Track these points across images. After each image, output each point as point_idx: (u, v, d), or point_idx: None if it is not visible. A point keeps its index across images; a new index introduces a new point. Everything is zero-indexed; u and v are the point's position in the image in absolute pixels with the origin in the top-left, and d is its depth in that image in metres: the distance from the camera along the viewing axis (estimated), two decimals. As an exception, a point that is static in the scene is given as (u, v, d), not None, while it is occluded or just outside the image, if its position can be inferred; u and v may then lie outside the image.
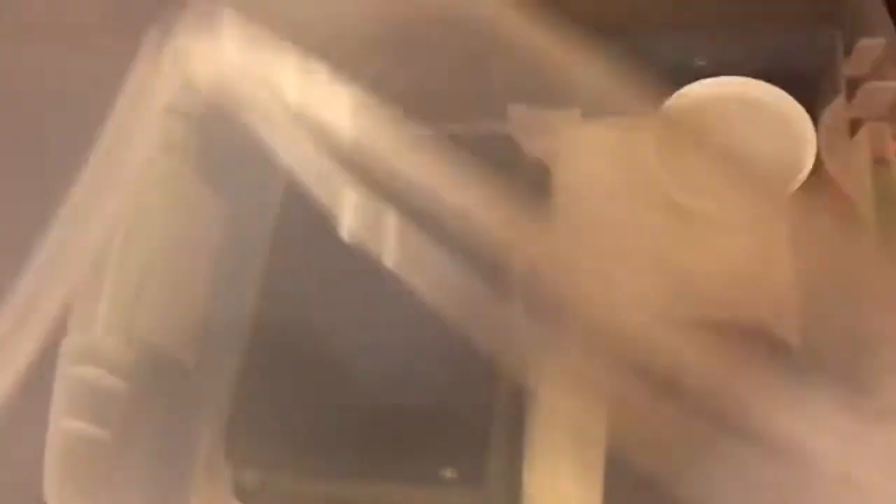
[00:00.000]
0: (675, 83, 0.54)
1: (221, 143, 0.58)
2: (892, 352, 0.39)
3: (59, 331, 0.44)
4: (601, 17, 0.57)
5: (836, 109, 0.48)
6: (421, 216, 0.47)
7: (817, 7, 0.49)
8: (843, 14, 0.46)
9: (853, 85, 0.45)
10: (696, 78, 0.54)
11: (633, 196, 0.59)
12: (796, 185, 0.50)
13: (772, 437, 0.45)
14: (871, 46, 0.44)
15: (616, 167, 0.60)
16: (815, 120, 0.51)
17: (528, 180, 0.58)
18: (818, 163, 0.50)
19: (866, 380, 0.42)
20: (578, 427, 0.52)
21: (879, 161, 0.41)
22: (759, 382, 0.47)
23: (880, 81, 0.43)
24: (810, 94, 0.52)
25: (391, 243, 0.46)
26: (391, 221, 0.46)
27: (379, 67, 0.60)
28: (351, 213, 0.46)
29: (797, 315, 0.53)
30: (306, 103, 0.49)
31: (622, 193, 0.59)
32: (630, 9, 0.58)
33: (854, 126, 0.44)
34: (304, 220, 0.55)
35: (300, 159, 0.47)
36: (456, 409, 0.48)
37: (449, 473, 0.46)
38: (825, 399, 0.48)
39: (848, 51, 0.46)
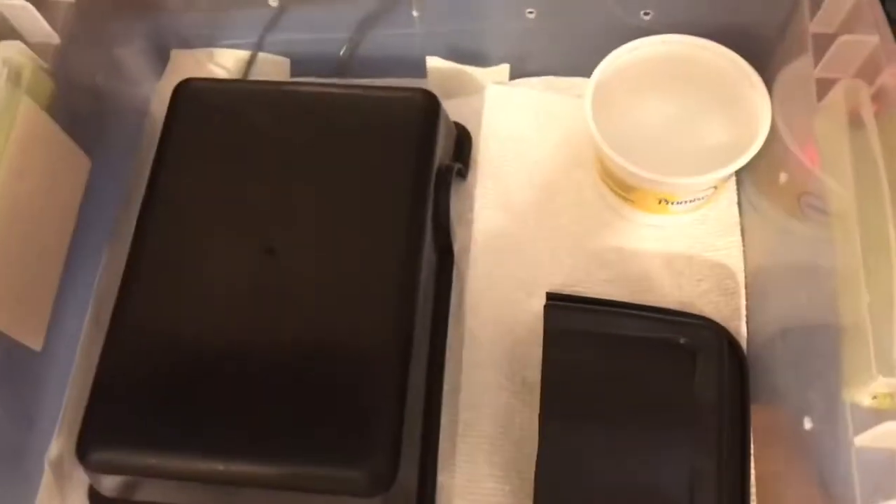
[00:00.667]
0: (616, 39, 0.48)
1: (84, 90, 0.49)
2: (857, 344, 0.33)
3: None
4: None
5: (798, 70, 0.43)
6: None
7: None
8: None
9: (820, 42, 0.39)
10: (639, 34, 0.48)
11: (563, 165, 0.53)
12: (745, 160, 0.44)
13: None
14: (844, -1, 0.39)
15: (545, 132, 0.53)
16: (768, 83, 0.46)
17: (447, 143, 0.51)
18: (773, 133, 0.45)
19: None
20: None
21: (856, 124, 0.36)
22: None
23: (855, 35, 0.37)
24: (765, 53, 0.47)
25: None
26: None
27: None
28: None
29: (744, 308, 0.48)
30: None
31: (550, 161, 0.53)
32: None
33: (822, 88, 0.39)
34: (174, 188, 0.47)
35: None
36: (349, 403, 0.41)
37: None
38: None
39: (815, 4, 0.40)
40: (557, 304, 0.44)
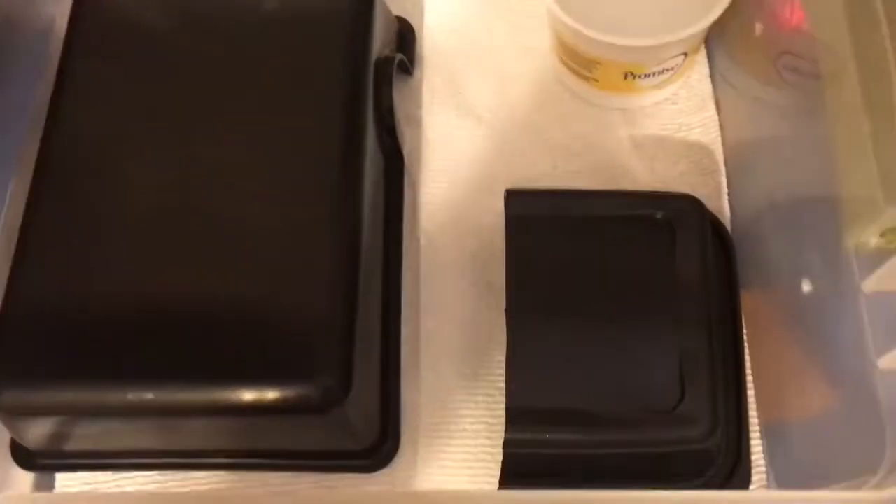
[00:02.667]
0: None
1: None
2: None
3: None
4: None
5: None
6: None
7: None
8: None
9: None
10: None
11: (516, 52, 0.48)
12: (719, 11, 0.40)
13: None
14: None
15: (494, 16, 0.49)
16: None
17: (387, 34, 0.46)
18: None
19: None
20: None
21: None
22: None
23: None
24: None
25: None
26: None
27: None
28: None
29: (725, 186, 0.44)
30: None
31: (502, 49, 0.48)
32: None
33: None
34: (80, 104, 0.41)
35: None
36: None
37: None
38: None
39: None
40: (519, 189, 0.40)
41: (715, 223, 0.41)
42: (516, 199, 0.39)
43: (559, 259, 0.38)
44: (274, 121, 0.40)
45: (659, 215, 0.38)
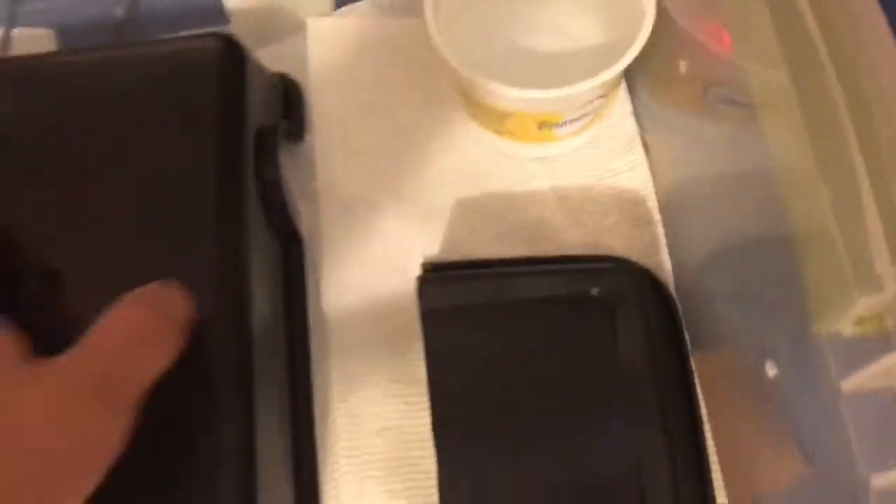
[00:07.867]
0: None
1: None
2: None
3: None
4: None
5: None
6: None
7: None
8: None
9: None
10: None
11: (420, 105, 0.43)
12: (634, 53, 0.35)
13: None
14: None
15: (390, 67, 0.43)
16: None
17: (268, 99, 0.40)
18: (663, 16, 0.35)
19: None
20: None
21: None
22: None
23: None
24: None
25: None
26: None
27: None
28: None
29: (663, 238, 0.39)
30: None
31: (403, 103, 0.43)
32: None
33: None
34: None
35: None
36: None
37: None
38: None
39: None
40: (431, 276, 0.34)
41: (655, 282, 0.37)
42: (431, 287, 0.34)
43: (486, 354, 0.32)
44: (139, 223, 0.34)
45: (594, 292, 0.33)
